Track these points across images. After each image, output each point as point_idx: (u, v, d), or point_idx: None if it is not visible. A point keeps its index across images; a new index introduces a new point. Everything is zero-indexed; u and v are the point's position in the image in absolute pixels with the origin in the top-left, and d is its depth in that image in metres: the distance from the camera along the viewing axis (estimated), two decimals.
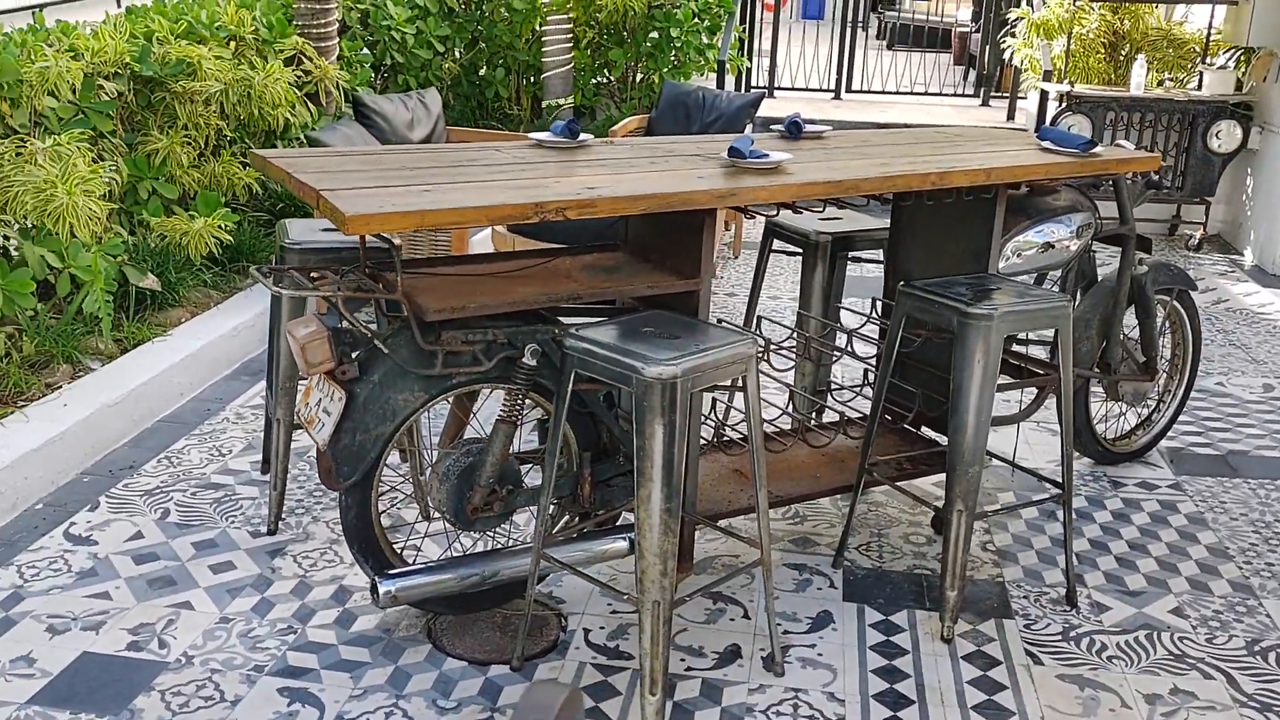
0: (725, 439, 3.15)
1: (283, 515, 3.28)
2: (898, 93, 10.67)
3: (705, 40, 7.85)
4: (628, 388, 2.32)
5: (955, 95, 10.87)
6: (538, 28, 7.67)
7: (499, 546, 2.91)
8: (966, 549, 2.82)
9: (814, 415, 3.62)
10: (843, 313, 3.63)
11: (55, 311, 4.18)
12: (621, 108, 8.05)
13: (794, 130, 3.24)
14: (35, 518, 3.26)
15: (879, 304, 3.37)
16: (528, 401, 2.71)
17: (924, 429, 3.44)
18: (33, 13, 5.09)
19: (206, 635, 2.74)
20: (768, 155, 2.74)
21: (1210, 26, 7.33)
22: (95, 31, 4.54)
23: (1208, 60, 7.29)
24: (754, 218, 2.84)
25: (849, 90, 10.42)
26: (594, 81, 8.13)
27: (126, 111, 4.73)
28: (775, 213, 2.85)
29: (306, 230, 3.11)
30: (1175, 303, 3.87)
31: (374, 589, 2.56)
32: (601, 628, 2.84)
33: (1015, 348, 3.70)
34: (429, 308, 2.42)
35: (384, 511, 3.00)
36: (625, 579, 3.02)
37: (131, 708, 2.47)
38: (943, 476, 2.96)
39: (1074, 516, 3.50)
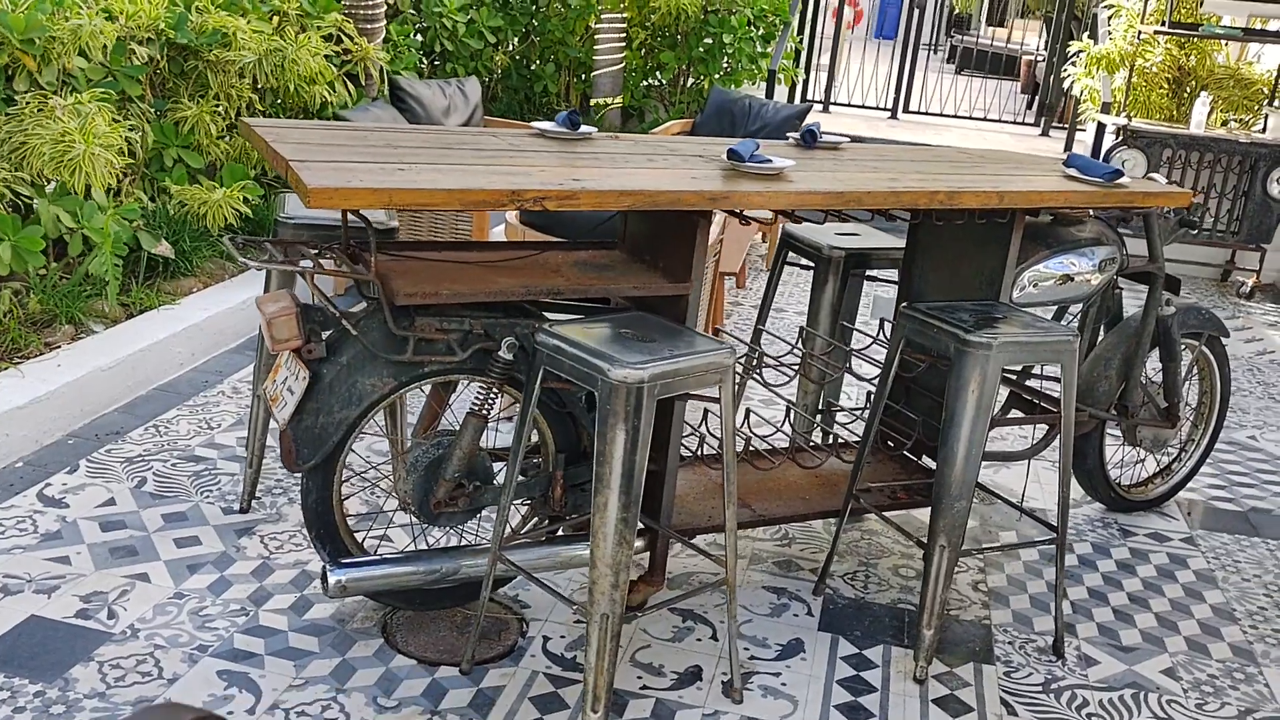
0: (711, 453, 3.04)
1: (257, 494, 3.23)
2: (956, 116, 10.48)
3: (759, 48, 7.74)
4: (593, 389, 2.22)
5: (1016, 123, 10.66)
6: (591, 25, 7.61)
7: (467, 544, 2.82)
8: (947, 586, 2.69)
9: (811, 435, 3.50)
10: (852, 332, 3.51)
11: (67, 271, 4.17)
12: (670, 111, 7.96)
13: (809, 139, 3.13)
14: (13, 476, 3.23)
15: (887, 325, 3.25)
16: (504, 396, 2.63)
17: (925, 458, 3.31)
18: None
19: (157, 609, 2.68)
20: (771, 161, 2.63)
21: None
22: None
23: (1275, 103, 7.05)
24: (748, 224, 2.74)
25: (906, 111, 10.26)
26: (644, 83, 8.06)
27: (159, 78, 4.72)
28: (772, 220, 2.74)
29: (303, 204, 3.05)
30: (1204, 348, 3.70)
31: (324, 576, 2.49)
32: (562, 637, 2.75)
33: (1030, 382, 3.56)
34: (400, 291, 2.35)
35: (347, 497, 2.93)
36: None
37: (67, 676, 2.41)
38: None
39: (1075, 562, 3.37)
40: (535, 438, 2.76)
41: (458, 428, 2.56)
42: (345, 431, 2.49)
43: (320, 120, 4.84)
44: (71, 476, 3.26)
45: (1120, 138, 6.74)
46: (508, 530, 2.84)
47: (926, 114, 10.44)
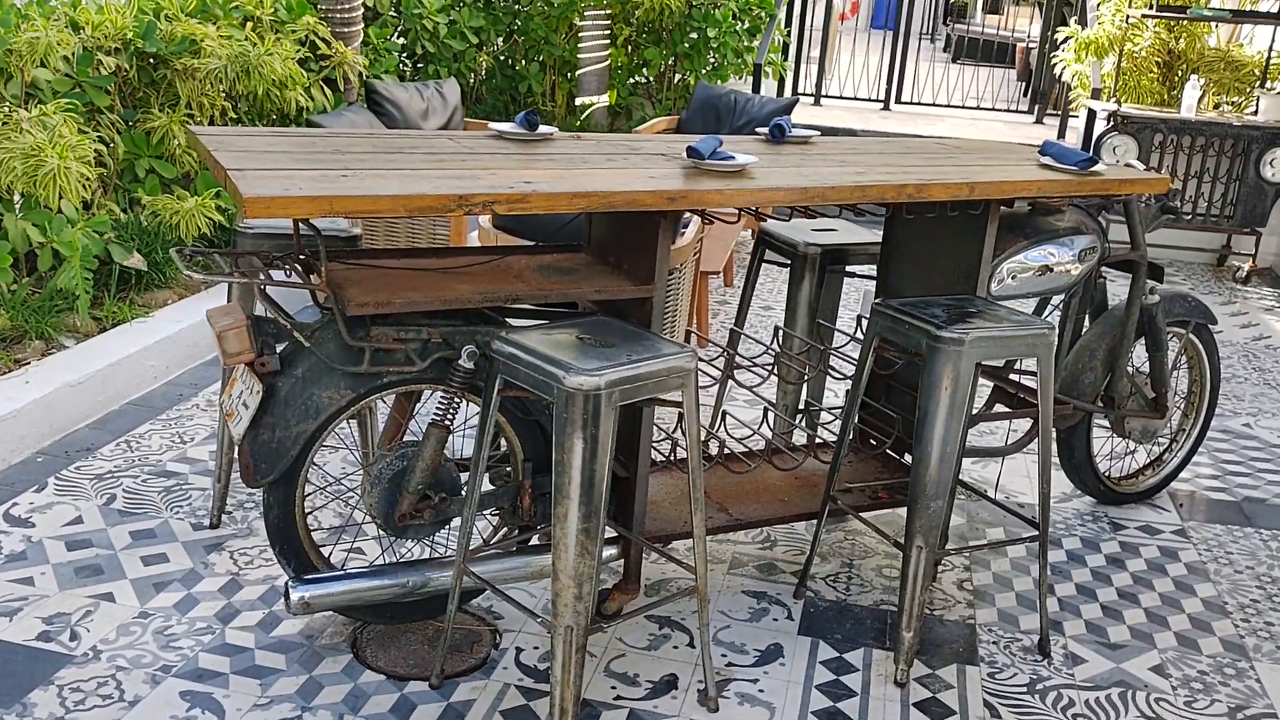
0: (685, 457, 2.98)
1: (228, 509, 3.17)
2: (949, 105, 10.40)
3: (745, 42, 7.68)
4: (549, 397, 2.17)
5: (1009, 111, 10.57)
6: (575, 23, 7.55)
7: (436, 556, 2.77)
8: (926, 588, 2.63)
9: (790, 436, 3.44)
10: (831, 330, 3.45)
11: (38, 285, 4.13)
12: (657, 108, 7.90)
13: (777, 134, 3.07)
14: None
15: (864, 322, 3.19)
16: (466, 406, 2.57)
17: (907, 456, 3.25)
18: None
19: (121, 630, 2.63)
20: (734, 158, 2.57)
21: (1271, 49, 7.01)
22: (101, 5, 4.48)
23: (1267, 84, 6.97)
24: (711, 222, 2.68)
25: (899, 101, 10.17)
26: (630, 80, 7.99)
27: (128, 88, 4.67)
28: (737, 219, 2.68)
29: None
30: (1192, 336, 3.63)
31: (286, 593, 2.43)
32: (535, 648, 2.69)
33: (1019, 376, 3.50)
34: (352, 300, 2.29)
35: (313, 510, 2.88)
36: None
37: (25, 701, 2.36)
38: None
39: (1064, 557, 3.30)
40: (505, 446, 2.71)
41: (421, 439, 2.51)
42: (303, 445, 2.44)
43: (293, 128, 4.79)
44: (39, 495, 3.21)
45: (1111, 123, 6.67)
46: (480, 541, 2.79)
47: (920, 104, 10.35)
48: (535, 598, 2.89)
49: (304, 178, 2.10)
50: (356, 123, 4.90)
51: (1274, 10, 7.33)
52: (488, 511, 2.71)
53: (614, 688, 2.57)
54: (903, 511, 3.20)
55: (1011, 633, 2.90)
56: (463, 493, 2.58)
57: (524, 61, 7.77)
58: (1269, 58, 7.00)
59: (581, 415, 2.13)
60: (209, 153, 2.24)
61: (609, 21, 7.59)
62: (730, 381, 3.47)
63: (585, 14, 7.41)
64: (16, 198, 3.89)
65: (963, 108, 10.41)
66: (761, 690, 2.59)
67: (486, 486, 2.62)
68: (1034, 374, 2.81)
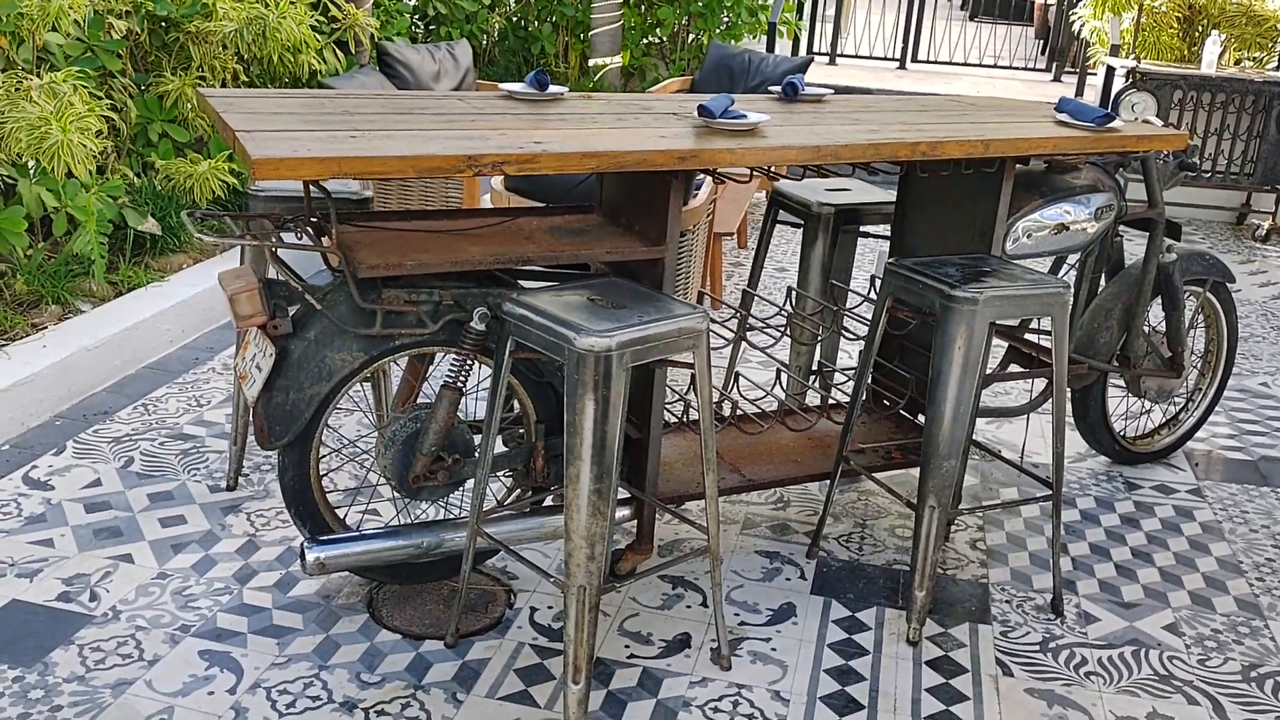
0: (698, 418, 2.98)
1: (245, 471, 3.20)
2: (966, 64, 10.30)
3: (759, 1, 7.60)
4: (560, 359, 2.17)
5: (1027, 69, 10.47)
6: None
7: (451, 517, 2.78)
8: (938, 547, 2.63)
9: (804, 397, 3.43)
10: (845, 291, 3.43)
11: (54, 251, 4.14)
12: (670, 69, 7.84)
13: (790, 92, 3.04)
14: None
15: (878, 282, 3.17)
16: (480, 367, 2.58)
17: (920, 416, 3.24)
18: None
19: (140, 590, 2.66)
20: (745, 116, 2.55)
21: None
22: None
23: None
24: (724, 183, 2.66)
25: (915, 60, 10.08)
26: (644, 41, 7.93)
27: (140, 51, 4.66)
28: (749, 179, 2.67)
29: None
30: (1209, 295, 3.61)
31: (302, 554, 2.46)
32: (549, 607, 2.71)
33: (1029, 336, 3.48)
34: (363, 263, 2.29)
35: (327, 472, 2.89)
36: None
37: (47, 660, 2.40)
38: None
39: (1078, 517, 3.30)
40: (518, 408, 2.71)
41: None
42: (317, 407, 2.45)
43: (302, 90, 4.77)
44: (58, 458, 3.24)
45: (1130, 80, 6.58)
46: (494, 502, 2.81)
47: (936, 63, 10.26)
48: (549, 558, 2.91)
49: (312, 139, 2.10)
50: (368, 85, 4.88)
51: None
52: (501, 473, 2.72)
53: (627, 646, 2.58)
54: (916, 472, 3.20)
55: (1024, 592, 2.90)
56: (476, 454, 2.59)
57: (536, 22, 7.71)
58: None
59: (593, 376, 2.13)
60: (218, 115, 2.24)
61: None
62: (743, 343, 3.47)
63: None
64: (31, 163, 3.90)
65: (980, 66, 10.32)
66: (774, 649, 2.61)
67: (500, 448, 2.63)
68: (1049, 333, 2.80)
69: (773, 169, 2.69)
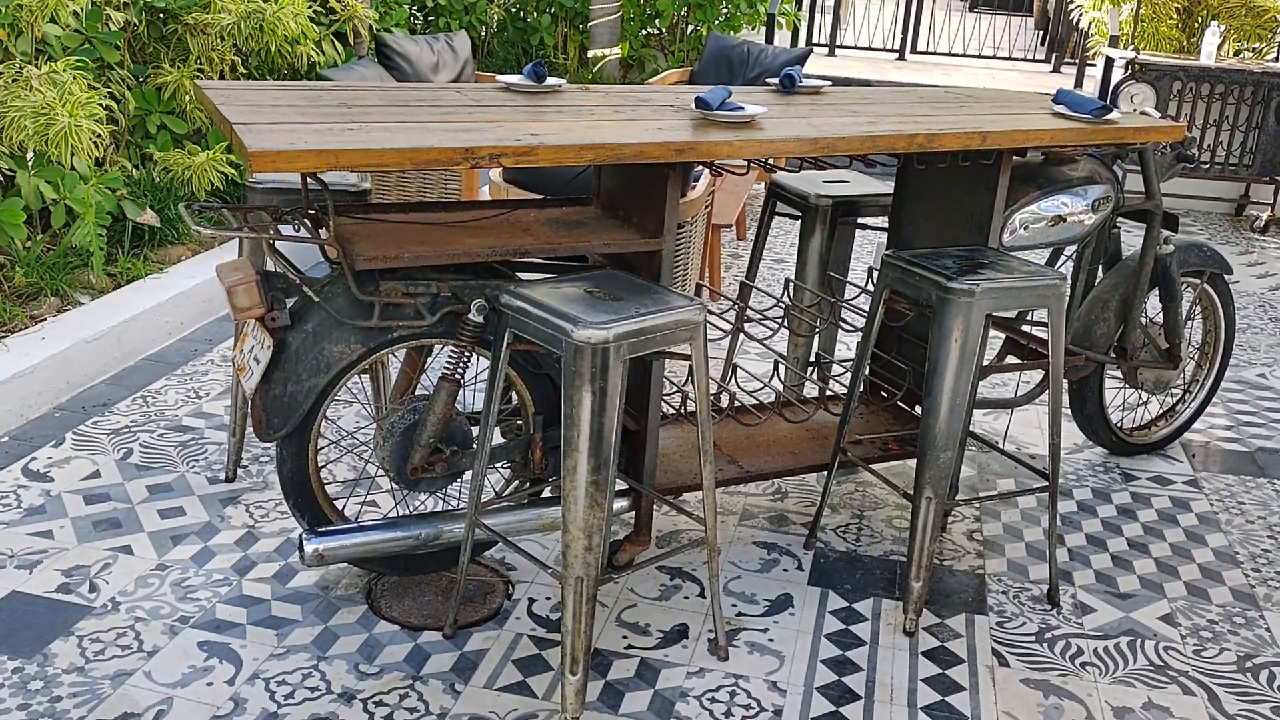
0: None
1: (244, 462, 3.20)
2: (965, 55, 10.29)
3: None
4: (557, 351, 2.17)
5: (1026, 60, 10.46)
6: None
7: (449, 508, 2.79)
8: (935, 538, 2.64)
9: (802, 388, 3.44)
10: (843, 282, 3.44)
11: (53, 243, 4.14)
12: (669, 60, 7.84)
13: (788, 84, 3.04)
14: None
15: (875, 274, 3.17)
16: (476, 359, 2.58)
17: (918, 408, 3.25)
18: None
19: (139, 582, 2.67)
20: (743, 108, 2.55)
21: None
22: None
23: None
24: (721, 175, 2.67)
25: (914, 52, 10.07)
26: (643, 32, 7.92)
27: (138, 43, 4.66)
28: (746, 171, 2.67)
29: None
30: (1206, 286, 3.61)
31: (300, 546, 2.46)
32: (548, 598, 2.72)
33: (1025, 328, 3.48)
34: (361, 255, 2.30)
35: (325, 464, 2.90)
36: None
37: (46, 651, 2.41)
38: None
39: (1075, 508, 3.31)
40: (516, 400, 2.72)
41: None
42: (315, 399, 2.45)
43: (300, 82, 4.77)
44: (57, 450, 3.25)
45: (1129, 71, 6.58)
46: (492, 494, 2.81)
47: (935, 54, 10.25)
48: (547, 549, 2.92)
49: (309, 131, 2.10)
50: (366, 77, 4.88)
51: None
52: (499, 464, 2.73)
53: (625, 637, 2.59)
54: (913, 463, 3.20)
55: (1021, 583, 2.91)
56: (474, 446, 2.60)
57: (535, 14, 7.71)
58: None
59: (590, 368, 2.13)
60: (215, 107, 2.24)
61: None
62: (741, 334, 3.47)
63: None
64: (29, 155, 3.90)
65: (979, 57, 10.31)
66: (771, 639, 2.62)
67: (497, 440, 2.64)
68: (1046, 325, 2.80)
69: (770, 161, 2.69)
